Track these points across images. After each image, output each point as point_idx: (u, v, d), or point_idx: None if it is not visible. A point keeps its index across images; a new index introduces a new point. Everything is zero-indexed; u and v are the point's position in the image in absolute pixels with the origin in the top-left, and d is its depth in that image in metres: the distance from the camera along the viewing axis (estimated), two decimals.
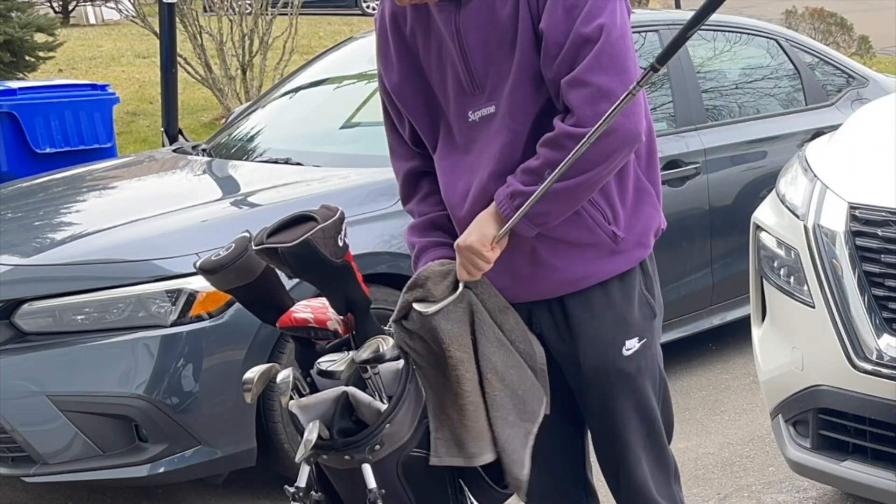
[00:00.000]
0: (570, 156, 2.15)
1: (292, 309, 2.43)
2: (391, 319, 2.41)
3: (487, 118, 2.32)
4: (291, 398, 2.38)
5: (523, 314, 2.42)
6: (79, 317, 3.61)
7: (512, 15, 2.24)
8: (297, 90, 5.42)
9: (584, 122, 2.17)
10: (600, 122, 2.11)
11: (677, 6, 15.37)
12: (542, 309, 2.41)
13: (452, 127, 2.39)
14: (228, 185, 4.63)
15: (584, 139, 2.13)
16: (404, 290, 2.38)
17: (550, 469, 2.55)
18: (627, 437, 2.43)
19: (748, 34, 5.64)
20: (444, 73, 2.35)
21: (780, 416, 3.28)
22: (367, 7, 24.58)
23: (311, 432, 2.30)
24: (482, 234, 2.28)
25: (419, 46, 2.39)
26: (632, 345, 2.39)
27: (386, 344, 2.32)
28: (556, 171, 2.18)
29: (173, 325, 3.56)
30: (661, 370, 2.48)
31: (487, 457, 2.39)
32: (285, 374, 2.35)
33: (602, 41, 2.17)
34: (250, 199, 4.28)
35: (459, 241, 2.32)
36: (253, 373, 2.42)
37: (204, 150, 5.12)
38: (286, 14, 11.10)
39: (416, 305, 2.33)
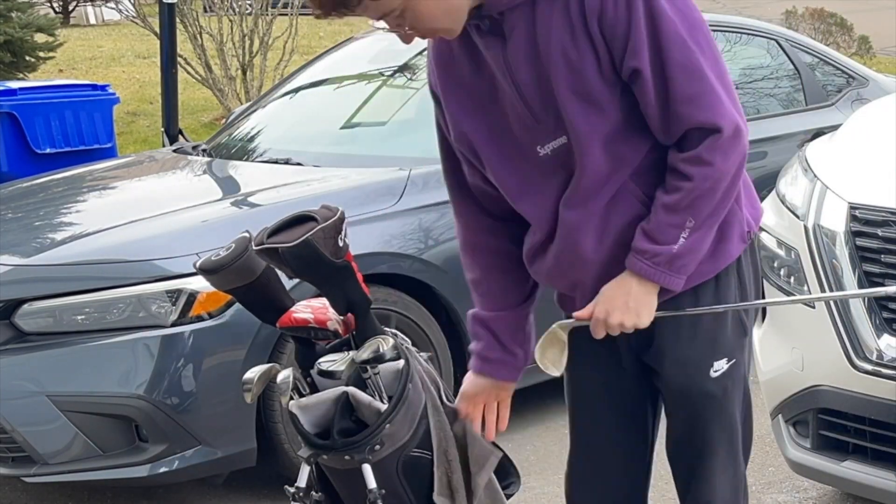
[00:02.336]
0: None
1: (292, 309, 2.44)
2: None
3: (561, 149, 2.18)
4: (291, 398, 2.38)
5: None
6: (79, 317, 3.61)
7: (563, 46, 2.11)
8: (297, 90, 5.42)
9: (717, 146, 2.10)
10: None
11: None
12: None
13: (521, 164, 2.24)
14: (228, 186, 4.63)
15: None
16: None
17: (609, 488, 2.47)
18: (707, 458, 2.32)
19: (748, 34, 5.64)
20: (504, 109, 2.22)
21: (780, 416, 3.28)
22: None
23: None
24: (649, 310, 2.17)
25: (472, 84, 2.25)
26: (720, 366, 2.27)
27: (386, 344, 2.33)
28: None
29: (173, 325, 3.56)
30: (747, 386, 2.37)
31: None
32: (285, 375, 2.36)
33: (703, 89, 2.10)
34: (250, 199, 4.28)
35: (618, 320, 2.17)
36: (253, 373, 2.42)
37: (204, 151, 5.12)
38: (286, 14, 11.10)
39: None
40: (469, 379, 2.44)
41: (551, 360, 2.26)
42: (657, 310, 2.21)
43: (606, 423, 2.43)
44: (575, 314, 2.25)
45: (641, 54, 2.08)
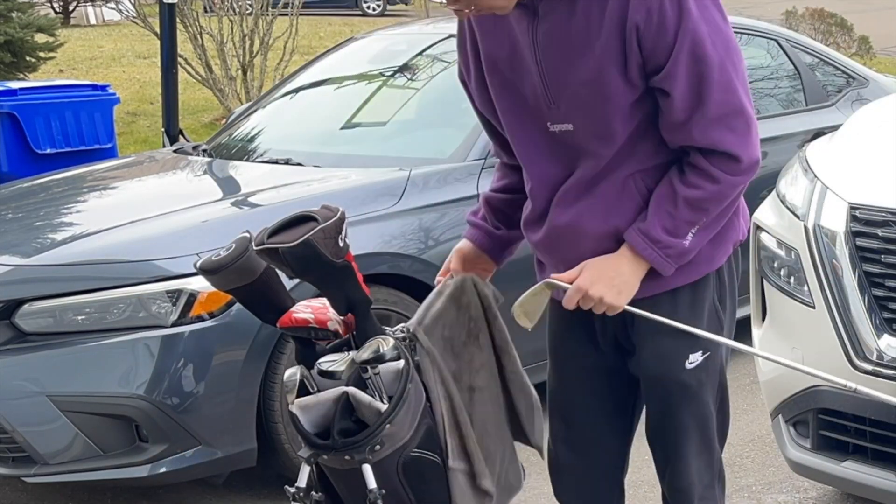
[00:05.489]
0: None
1: (293, 309, 2.44)
2: None
3: (567, 134, 2.27)
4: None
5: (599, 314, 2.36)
6: (79, 317, 3.61)
7: (598, 38, 2.17)
8: (297, 91, 5.42)
9: (741, 167, 2.20)
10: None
11: None
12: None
13: (532, 131, 2.34)
14: (229, 186, 4.63)
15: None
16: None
17: (593, 469, 2.55)
18: (681, 444, 2.41)
19: (748, 34, 5.64)
20: (523, 81, 2.30)
21: (780, 416, 3.28)
22: (367, 7, 24.62)
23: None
24: (628, 291, 2.26)
25: (504, 55, 2.32)
26: (695, 358, 2.36)
27: (386, 344, 2.33)
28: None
29: (174, 325, 3.56)
30: (723, 377, 2.46)
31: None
32: (291, 373, 2.36)
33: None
34: (251, 199, 4.28)
35: (599, 293, 2.24)
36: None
37: (204, 151, 5.12)
38: (287, 14, 11.11)
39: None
40: (459, 245, 2.57)
41: (527, 312, 2.32)
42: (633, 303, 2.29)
43: (586, 401, 2.51)
44: (555, 275, 2.31)
45: (677, 80, 2.15)
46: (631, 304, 2.30)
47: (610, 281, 2.25)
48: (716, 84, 2.15)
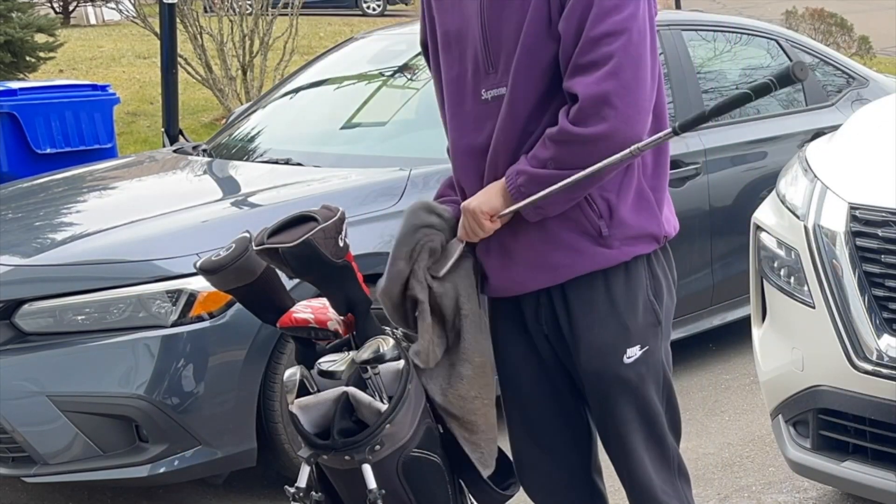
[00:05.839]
0: (574, 176, 2.23)
1: (293, 309, 2.44)
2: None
3: (498, 100, 2.32)
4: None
5: (531, 308, 2.42)
6: (79, 317, 3.61)
7: None
8: (297, 91, 5.42)
9: (583, 112, 2.19)
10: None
11: (677, 6, 15.38)
12: (547, 305, 2.41)
13: (467, 102, 2.38)
14: (229, 186, 4.63)
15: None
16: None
17: (557, 466, 2.55)
18: (628, 439, 2.42)
19: (748, 34, 5.64)
20: (468, 50, 2.35)
21: (780, 416, 3.28)
22: (367, 7, 24.60)
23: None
24: (489, 204, 2.31)
25: (451, 22, 2.41)
26: (633, 352, 2.37)
27: (386, 344, 2.33)
28: (560, 185, 2.24)
29: (174, 325, 3.56)
30: (665, 373, 2.46)
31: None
32: (291, 373, 2.36)
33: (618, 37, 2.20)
34: (251, 199, 4.28)
35: (466, 202, 2.35)
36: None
37: (204, 151, 5.12)
38: (286, 14, 11.11)
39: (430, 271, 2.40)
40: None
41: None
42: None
43: (533, 398, 2.52)
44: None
45: (569, 24, 2.21)
46: (565, 284, 2.36)
47: (480, 194, 2.34)
48: (589, 36, 2.18)
